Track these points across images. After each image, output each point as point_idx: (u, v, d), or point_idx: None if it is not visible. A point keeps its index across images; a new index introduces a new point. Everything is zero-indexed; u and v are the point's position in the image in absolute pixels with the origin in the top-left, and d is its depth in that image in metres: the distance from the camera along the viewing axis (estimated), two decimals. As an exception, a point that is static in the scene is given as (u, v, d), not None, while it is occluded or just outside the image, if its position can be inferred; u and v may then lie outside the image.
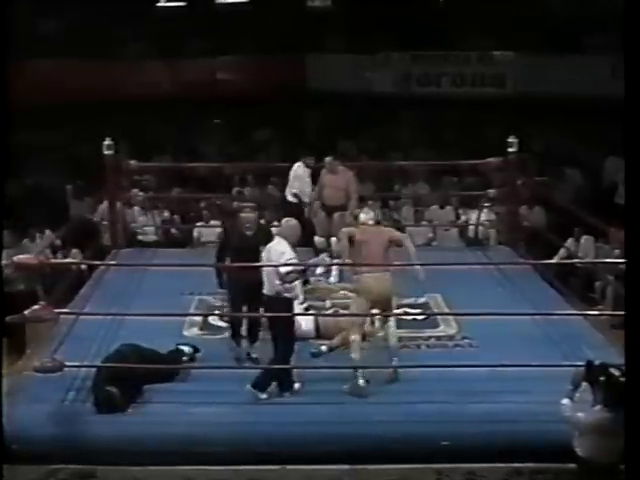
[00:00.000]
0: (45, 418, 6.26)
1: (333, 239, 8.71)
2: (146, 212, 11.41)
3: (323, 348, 7.11)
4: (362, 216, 7.00)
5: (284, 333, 6.56)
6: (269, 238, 6.85)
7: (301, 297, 7.57)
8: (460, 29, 15.93)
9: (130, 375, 6.45)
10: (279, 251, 6.51)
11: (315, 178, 9.21)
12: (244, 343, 7.07)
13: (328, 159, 9.08)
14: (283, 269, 6.39)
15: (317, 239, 8.97)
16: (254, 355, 7.00)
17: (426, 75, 16.35)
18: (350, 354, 6.67)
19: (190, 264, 8.45)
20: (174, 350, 7.01)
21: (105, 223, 10.57)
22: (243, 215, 7.20)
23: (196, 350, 7.09)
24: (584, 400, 5.51)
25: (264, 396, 6.49)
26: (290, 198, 9.12)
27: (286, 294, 6.51)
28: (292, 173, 9.22)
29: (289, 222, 6.76)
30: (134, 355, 6.62)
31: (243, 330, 7.10)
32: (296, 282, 6.74)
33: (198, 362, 7.01)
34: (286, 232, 6.66)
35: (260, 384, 6.49)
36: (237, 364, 6.94)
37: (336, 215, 8.55)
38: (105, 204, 10.75)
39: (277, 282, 6.45)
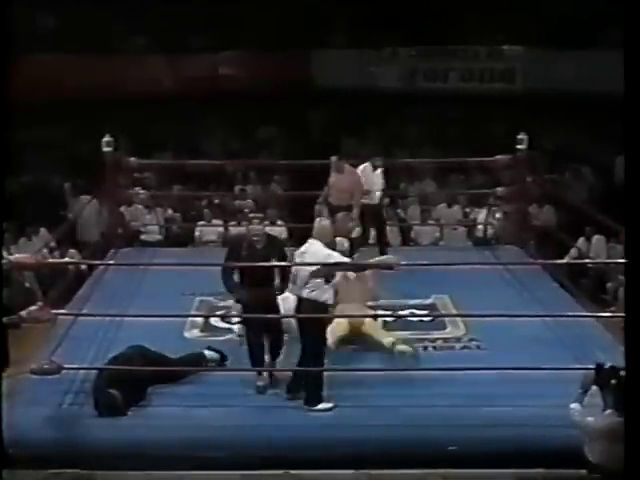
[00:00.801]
0: (43, 421, 6.16)
1: (337, 239, 8.55)
2: (150, 210, 11.34)
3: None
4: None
5: (317, 334, 6.32)
6: (282, 251, 6.58)
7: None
8: (468, 23, 15.76)
9: (133, 377, 6.33)
10: (321, 255, 6.26)
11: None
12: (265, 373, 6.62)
13: (334, 158, 8.97)
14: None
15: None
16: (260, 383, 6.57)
17: (433, 70, 16.15)
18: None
19: (192, 264, 8.32)
20: (195, 354, 6.85)
21: (80, 222, 10.51)
22: (252, 227, 6.68)
23: (223, 358, 6.89)
24: (594, 404, 5.41)
25: (328, 405, 6.27)
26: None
27: (321, 298, 6.28)
28: None
29: (322, 222, 6.56)
30: (139, 357, 6.49)
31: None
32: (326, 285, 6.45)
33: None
34: (320, 233, 6.42)
35: (313, 398, 6.28)
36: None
37: (339, 215, 8.41)
38: (93, 202, 10.67)
39: (310, 286, 6.23)
